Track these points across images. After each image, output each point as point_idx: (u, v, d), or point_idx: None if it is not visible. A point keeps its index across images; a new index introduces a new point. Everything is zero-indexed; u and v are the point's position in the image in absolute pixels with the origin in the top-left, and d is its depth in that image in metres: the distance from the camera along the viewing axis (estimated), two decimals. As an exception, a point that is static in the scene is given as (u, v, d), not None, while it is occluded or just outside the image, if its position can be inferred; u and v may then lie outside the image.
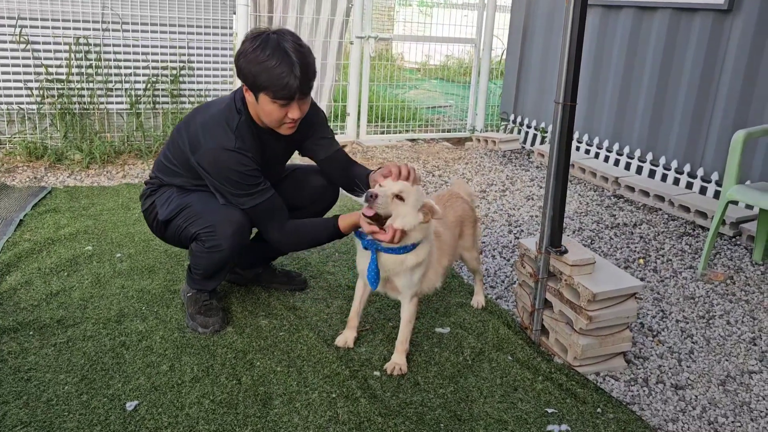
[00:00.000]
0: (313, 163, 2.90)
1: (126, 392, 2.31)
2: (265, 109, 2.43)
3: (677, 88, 5.06)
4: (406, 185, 2.33)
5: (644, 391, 2.59)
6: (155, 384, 2.36)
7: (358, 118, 6.59)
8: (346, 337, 2.67)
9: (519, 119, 6.98)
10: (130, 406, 2.24)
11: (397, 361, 2.55)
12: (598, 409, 2.41)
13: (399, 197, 2.30)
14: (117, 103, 5.38)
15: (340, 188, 2.90)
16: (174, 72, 5.50)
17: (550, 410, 2.38)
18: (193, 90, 5.62)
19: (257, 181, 2.49)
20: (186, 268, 2.85)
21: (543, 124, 6.61)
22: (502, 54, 8.85)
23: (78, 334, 2.66)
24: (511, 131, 7.05)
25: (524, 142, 6.83)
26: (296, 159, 3.21)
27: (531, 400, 2.43)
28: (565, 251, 2.68)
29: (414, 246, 2.41)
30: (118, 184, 4.70)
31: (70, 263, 3.27)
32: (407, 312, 2.55)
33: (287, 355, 2.58)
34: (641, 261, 3.87)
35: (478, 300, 3.12)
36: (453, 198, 2.92)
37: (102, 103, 5.32)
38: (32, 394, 2.28)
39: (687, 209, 4.64)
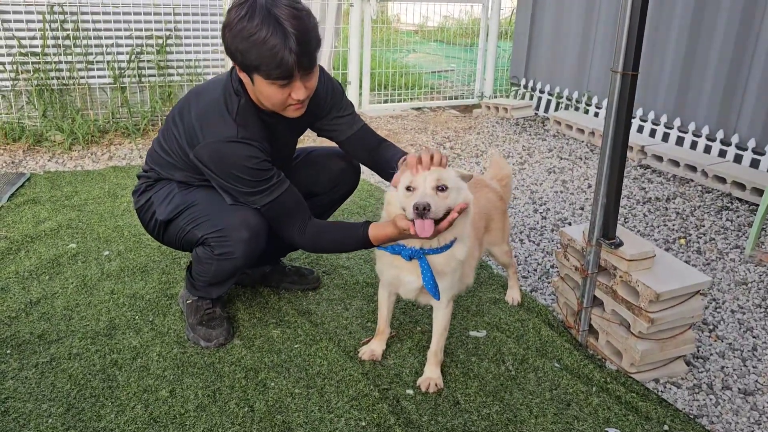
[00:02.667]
0: (330, 143, 2.52)
1: (120, 425, 1.97)
2: (263, 92, 2.01)
3: (710, 44, 4.64)
4: (438, 171, 1.94)
5: (711, 399, 2.28)
6: (154, 415, 2.02)
7: (360, 87, 6.16)
8: (373, 350, 2.33)
9: (531, 84, 6.55)
10: (125, 444, 1.90)
11: (432, 375, 2.22)
12: (665, 426, 2.10)
13: (441, 188, 1.92)
14: (99, 77, 4.93)
15: (369, 169, 2.49)
16: (160, 41, 5.03)
17: (611, 430, 2.07)
18: (182, 61, 5.16)
19: (269, 175, 2.10)
20: (185, 269, 2.49)
21: (558, 89, 6.19)
22: (511, 14, 8.36)
23: (63, 351, 2.31)
24: (523, 97, 6.63)
25: (537, 108, 6.42)
26: (308, 141, 2.82)
27: (588, 418, 2.11)
28: (620, 244, 2.33)
29: (453, 240, 2.07)
30: (104, 168, 4.30)
31: (52, 264, 2.90)
32: (443, 319, 2.20)
33: (305, 372, 2.24)
34: (682, 241, 3.54)
35: (512, 296, 2.78)
36: (477, 187, 2.53)
37: (82, 77, 4.87)
38: (11, 431, 1.94)
39: (722, 180, 4.29)
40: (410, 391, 2.18)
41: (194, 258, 2.31)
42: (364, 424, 2.00)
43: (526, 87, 6.62)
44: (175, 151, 2.23)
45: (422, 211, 1.82)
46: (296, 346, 2.39)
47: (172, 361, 2.27)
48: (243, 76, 2.03)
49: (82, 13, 4.75)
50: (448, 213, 1.92)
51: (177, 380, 2.17)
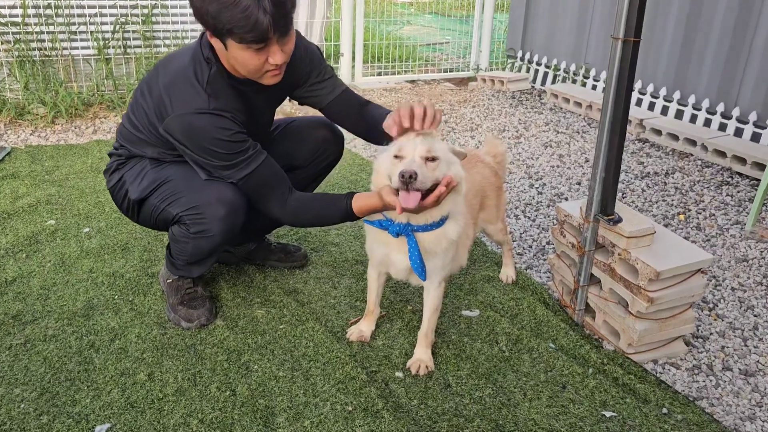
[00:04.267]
0: (313, 112, 2.39)
1: (95, 411, 1.88)
2: (237, 58, 1.88)
3: (712, 15, 4.50)
4: (429, 140, 1.81)
5: (711, 381, 2.20)
6: (131, 399, 1.93)
7: (353, 59, 6.01)
8: (361, 330, 2.24)
9: (527, 56, 6.40)
10: (100, 430, 1.82)
11: (422, 357, 2.13)
12: (664, 410, 2.02)
13: (430, 159, 1.80)
14: (83, 48, 4.77)
15: (356, 136, 2.35)
16: (145, 11, 4.86)
17: (608, 414, 1.99)
18: (168, 32, 5.00)
19: (244, 147, 1.98)
20: (166, 247, 2.39)
21: (555, 61, 6.04)
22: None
23: (38, 333, 2.21)
24: (519, 69, 6.48)
25: (533, 81, 6.28)
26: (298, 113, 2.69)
27: (584, 401, 2.03)
28: (619, 220, 2.23)
29: (445, 217, 1.96)
30: (87, 141, 4.17)
31: (29, 242, 2.80)
32: (434, 299, 2.11)
33: (290, 354, 2.15)
34: (682, 217, 3.44)
35: (507, 273, 2.69)
36: (471, 162, 2.42)
37: (66, 48, 4.71)
38: (-19, 416, 1.85)
39: (723, 154, 4.18)
40: (399, 374, 2.09)
41: (171, 237, 2.21)
42: (350, 408, 1.92)
43: (522, 59, 6.47)
44: (144, 125, 2.10)
45: (408, 179, 1.70)
46: (281, 326, 2.29)
47: (151, 342, 2.18)
48: (215, 41, 1.90)
49: (63, -19, 4.58)
50: (435, 187, 1.80)
51: (156, 363, 2.09)
